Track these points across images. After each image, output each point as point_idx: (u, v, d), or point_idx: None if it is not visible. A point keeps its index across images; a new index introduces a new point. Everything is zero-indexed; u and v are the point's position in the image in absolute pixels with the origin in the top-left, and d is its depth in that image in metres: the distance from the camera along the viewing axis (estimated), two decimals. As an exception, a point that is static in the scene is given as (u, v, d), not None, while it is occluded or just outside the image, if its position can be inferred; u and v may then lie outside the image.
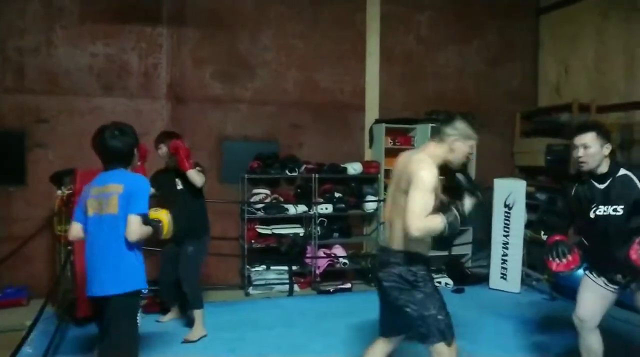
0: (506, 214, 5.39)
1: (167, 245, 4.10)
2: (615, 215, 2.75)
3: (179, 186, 3.97)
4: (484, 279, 5.64)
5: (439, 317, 2.45)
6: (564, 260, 2.78)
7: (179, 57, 5.42)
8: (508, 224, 5.38)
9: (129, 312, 2.59)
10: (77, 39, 5.11)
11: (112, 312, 2.51)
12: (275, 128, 5.76)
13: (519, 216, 5.35)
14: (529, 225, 5.50)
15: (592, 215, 2.82)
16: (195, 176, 3.81)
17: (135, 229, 2.50)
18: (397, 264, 2.48)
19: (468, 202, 2.42)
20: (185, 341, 3.88)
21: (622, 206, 2.73)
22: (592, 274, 2.95)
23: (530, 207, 5.56)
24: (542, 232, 3.02)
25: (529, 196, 5.53)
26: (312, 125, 5.87)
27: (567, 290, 5.03)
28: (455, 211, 2.36)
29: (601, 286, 2.91)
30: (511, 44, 6.65)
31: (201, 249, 4.03)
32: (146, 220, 2.57)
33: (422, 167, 2.34)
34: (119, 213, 2.52)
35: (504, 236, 5.41)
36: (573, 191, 2.93)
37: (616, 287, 2.88)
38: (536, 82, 6.73)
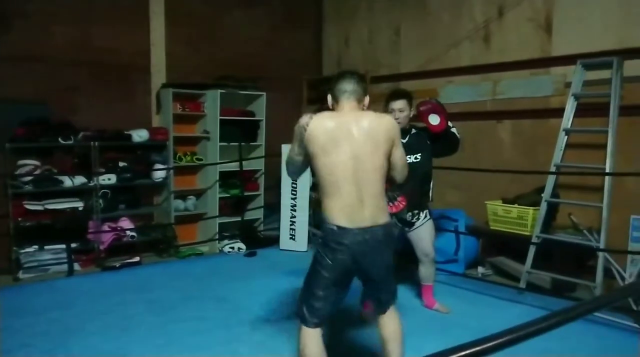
0: (293, 178, 5.66)
1: None
2: (417, 162, 3.54)
3: None
4: (275, 241, 5.87)
5: None
6: (396, 203, 3.23)
7: None
8: (295, 188, 5.67)
9: None
10: None
11: None
12: (44, 90, 5.03)
13: (305, 179, 5.65)
14: (313, 187, 5.87)
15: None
16: None
17: None
18: (393, 235, 2.51)
19: None
20: None
21: (421, 154, 3.57)
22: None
23: (315, 170, 5.92)
24: None
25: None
26: (90, 87, 5.30)
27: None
28: None
29: (397, 227, 3.52)
30: (297, 12, 6.87)
31: None
32: None
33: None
34: None
35: (292, 198, 5.70)
36: None
37: (402, 225, 3.61)
38: (320, 52, 7.11)
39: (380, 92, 6.26)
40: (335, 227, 2.33)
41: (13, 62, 4.86)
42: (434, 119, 3.55)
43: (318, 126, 2.36)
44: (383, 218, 2.37)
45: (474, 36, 5.36)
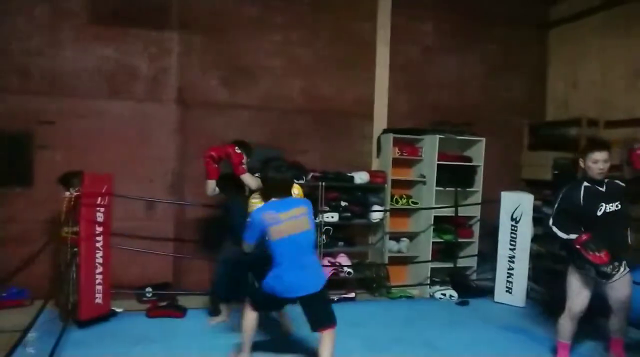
0: (513, 228, 5.36)
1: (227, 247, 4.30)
2: (616, 210, 3.51)
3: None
4: (488, 292, 5.59)
5: None
6: (602, 254, 3.33)
7: (187, 62, 5.41)
8: (515, 238, 5.35)
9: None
10: (85, 41, 5.11)
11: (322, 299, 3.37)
12: (279, 134, 5.72)
13: (526, 229, 5.32)
14: (535, 239, 5.47)
15: (599, 212, 3.49)
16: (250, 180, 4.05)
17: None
18: None
19: None
20: None
21: (618, 203, 3.52)
22: (583, 269, 3.56)
23: (536, 220, 5.52)
24: (561, 231, 3.55)
25: (535, 209, 5.50)
26: (316, 132, 5.85)
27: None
28: None
29: (592, 278, 3.56)
30: (517, 55, 6.64)
31: None
32: None
33: None
34: (311, 228, 3.35)
35: (510, 249, 5.38)
36: (582, 193, 3.55)
37: (603, 279, 3.52)
38: (543, 95, 6.72)
39: (615, 138, 5.66)
40: None
41: (256, 111, 5.65)
42: None
43: None
44: None
45: None
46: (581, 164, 3.63)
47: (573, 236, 3.45)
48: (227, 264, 4.31)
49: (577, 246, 3.40)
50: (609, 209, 3.50)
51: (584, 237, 3.39)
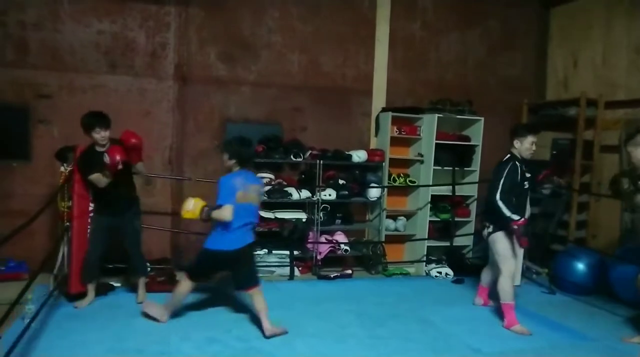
0: (509, 207, 5.37)
1: (100, 218, 4.08)
2: (527, 184, 4.10)
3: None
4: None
5: None
6: (527, 239, 3.97)
7: (185, 37, 5.36)
8: (510, 217, 5.36)
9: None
10: (83, 14, 5.05)
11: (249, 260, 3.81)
12: (278, 111, 5.72)
13: (522, 208, 5.32)
14: (531, 218, 5.47)
15: (524, 187, 4.04)
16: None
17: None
18: None
19: None
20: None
21: (527, 180, 4.09)
22: (506, 232, 4.01)
23: (533, 200, 5.51)
24: (508, 210, 3.88)
25: (532, 189, 5.48)
26: (315, 109, 5.84)
27: (566, 284, 5.06)
28: None
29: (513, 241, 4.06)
30: (518, 33, 6.59)
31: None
32: None
33: None
34: (258, 204, 3.80)
35: (506, 228, 5.39)
36: (519, 169, 3.97)
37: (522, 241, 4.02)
38: (543, 74, 6.67)
39: (615, 118, 5.65)
40: None
41: (255, 87, 5.63)
42: None
43: None
44: None
45: None
46: (516, 144, 4.01)
47: (515, 217, 3.87)
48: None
49: (515, 227, 3.88)
50: (526, 185, 4.07)
51: (521, 222, 3.87)
